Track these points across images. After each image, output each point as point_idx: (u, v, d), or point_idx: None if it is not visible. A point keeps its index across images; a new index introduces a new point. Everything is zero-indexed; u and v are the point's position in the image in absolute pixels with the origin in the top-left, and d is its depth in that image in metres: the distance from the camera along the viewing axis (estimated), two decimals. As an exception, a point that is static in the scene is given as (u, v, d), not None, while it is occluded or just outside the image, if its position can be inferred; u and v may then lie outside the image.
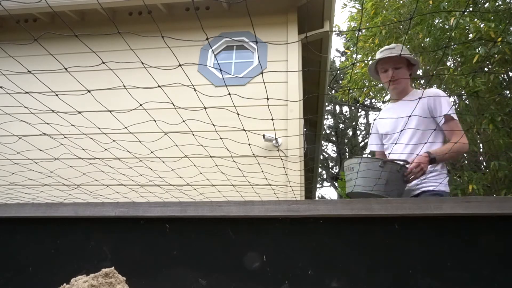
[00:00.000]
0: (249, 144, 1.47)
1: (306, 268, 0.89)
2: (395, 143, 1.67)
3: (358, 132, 11.85)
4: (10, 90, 1.20)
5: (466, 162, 3.95)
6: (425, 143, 1.55)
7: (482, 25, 3.05)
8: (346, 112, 12.41)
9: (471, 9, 3.31)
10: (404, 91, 1.75)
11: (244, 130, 1.29)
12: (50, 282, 0.97)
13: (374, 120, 1.65)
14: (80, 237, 1.02)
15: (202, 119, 1.56)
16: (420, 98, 1.41)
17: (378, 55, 1.71)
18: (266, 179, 1.66)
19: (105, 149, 1.65)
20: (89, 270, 0.82)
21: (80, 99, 1.75)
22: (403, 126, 1.61)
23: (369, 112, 11.40)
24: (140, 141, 1.57)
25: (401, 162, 1.42)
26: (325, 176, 11.73)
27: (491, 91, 3.25)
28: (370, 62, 1.74)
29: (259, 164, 1.55)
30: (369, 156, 1.66)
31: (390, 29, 3.81)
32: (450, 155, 1.48)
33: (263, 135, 2.59)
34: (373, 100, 10.05)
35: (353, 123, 12.00)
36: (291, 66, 3.16)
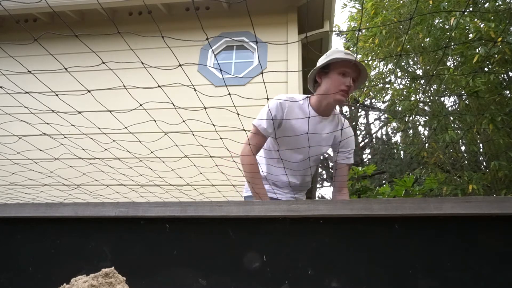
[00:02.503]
0: (249, 144, 1.47)
1: (306, 268, 0.89)
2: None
3: (358, 132, 11.85)
4: (10, 90, 1.20)
5: (466, 162, 3.95)
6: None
7: (482, 25, 3.05)
8: (346, 112, 12.41)
9: (471, 9, 3.31)
10: (333, 109, 1.57)
11: (244, 130, 1.29)
12: (50, 282, 0.97)
13: (282, 105, 1.47)
14: (80, 237, 1.02)
15: (202, 119, 1.56)
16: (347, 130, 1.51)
17: (343, 55, 1.43)
18: (266, 179, 1.66)
19: (105, 149, 1.65)
20: (89, 270, 0.82)
21: (80, 99, 1.75)
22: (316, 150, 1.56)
23: (369, 112, 11.40)
24: (140, 141, 1.57)
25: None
26: (325, 176, 11.72)
27: (491, 91, 3.25)
28: (332, 57, 1.46)
29: (259, 164, 1.55)
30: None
31: (390, 29, 3.81)
32: None
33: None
34: (373, 100, 10.05)
35: (353, 123, 12.00)
36: (291, 66, 3.16)
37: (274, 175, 1.60)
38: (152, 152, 1.63)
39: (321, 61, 1.51)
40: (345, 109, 12.43)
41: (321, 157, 1.71)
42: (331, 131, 1.58)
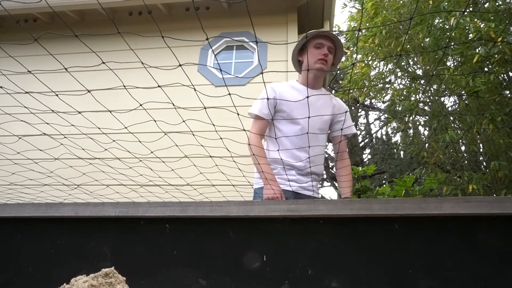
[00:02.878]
0: (249, 144, 1.47)
1: (306, 268, 0.89)
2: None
3: (358, 132, 11.84)
4: (10, 90, 1.20)
5: (466, 162, 3.95)
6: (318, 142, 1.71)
7: (482, 25, 3.05)
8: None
9: (471, 9, 3.31)
10: (320, 82, 1.72)
11: (244, 130, 1.29)
12: (50, 282, 0.97)
13: (273, 87, 1.64)
14: (80, 237, 1.02)
15: (202, 119, 1.56)
16: (344, 110, 1.66)
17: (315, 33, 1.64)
18: (266, 179, 1.66)
19: (105, 149, 1.65)
20: (89, 270, 0.82)
21: (80, 99, 1.74)
22: (317, 124, 1.67)
23: (369, 112, 11.39)
24: (140, 141, 1.57)
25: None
26: (325, 176, 11.72)
27: (491, 91, 3.24)
28: (304, 36, 1.70)
29: (259, 164, 1.55)
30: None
31: (390, 29, 3.80)
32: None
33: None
34: (373, 100, 10.04)
35: (353, 123, 11.97)
36: (291, 66, 3.16)
37: (283, 154, 1.63)
38: (152, 152, 1.63)
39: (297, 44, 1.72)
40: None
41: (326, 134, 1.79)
42: (326, 100, 1.74)
